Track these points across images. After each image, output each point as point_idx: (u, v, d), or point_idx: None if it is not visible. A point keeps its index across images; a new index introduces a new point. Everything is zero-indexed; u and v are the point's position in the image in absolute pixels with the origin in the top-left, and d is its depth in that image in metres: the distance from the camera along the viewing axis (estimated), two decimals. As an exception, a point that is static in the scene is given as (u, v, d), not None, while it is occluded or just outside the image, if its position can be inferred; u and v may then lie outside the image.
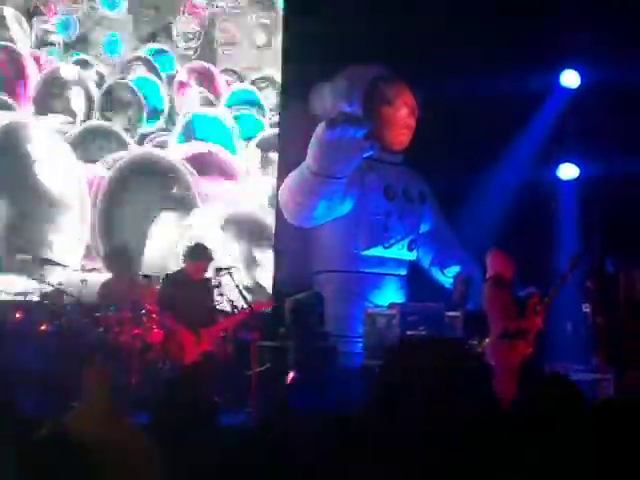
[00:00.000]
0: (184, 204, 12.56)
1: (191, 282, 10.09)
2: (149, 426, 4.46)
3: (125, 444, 4.19)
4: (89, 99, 12.29)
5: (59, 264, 10.93)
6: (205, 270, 10.33)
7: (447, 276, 13.06)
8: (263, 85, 13.23)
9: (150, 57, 12.70)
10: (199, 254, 10.26)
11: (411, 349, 2.08)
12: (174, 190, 12.48)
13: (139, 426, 4.55)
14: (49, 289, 10.37)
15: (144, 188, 12.40)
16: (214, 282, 10.74)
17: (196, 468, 3.95)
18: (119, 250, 11.02)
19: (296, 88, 13.00)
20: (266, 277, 12.81)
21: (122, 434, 4.31)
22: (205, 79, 12.98)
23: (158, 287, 10.49)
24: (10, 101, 11.86)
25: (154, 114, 12.66)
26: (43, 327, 9.94)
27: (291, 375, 10.11)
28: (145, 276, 10.92)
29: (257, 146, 13.11)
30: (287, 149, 13.00)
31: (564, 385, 3.38)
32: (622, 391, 9.20)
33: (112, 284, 10.67)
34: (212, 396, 7.94)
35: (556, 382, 3.42)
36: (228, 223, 12.80)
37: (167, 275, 10.38)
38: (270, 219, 12.98)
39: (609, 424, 3.12)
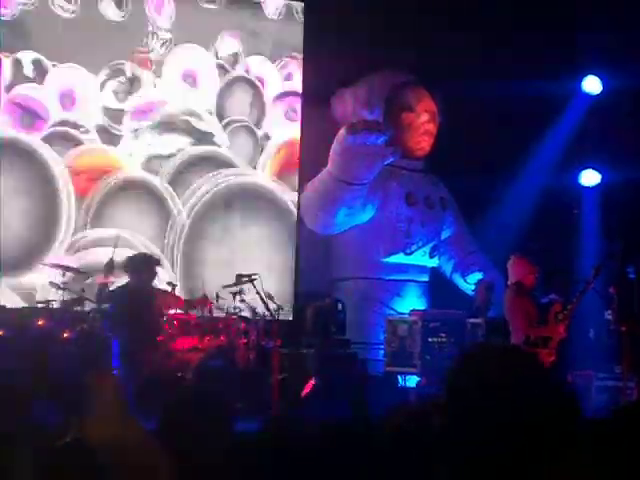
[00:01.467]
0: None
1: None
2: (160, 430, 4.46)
3: (140, 449, 4.18)
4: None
5: (82, 272, 10.95)
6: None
7: (469, 283, 13.02)
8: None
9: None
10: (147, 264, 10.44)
11: (491, 356, 2.08)
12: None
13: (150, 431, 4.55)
14: (72, 296, 10.39)
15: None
16: (236, 289, 10.77)
17: (207, 473, 3.95)
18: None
19: (317, 94, 12.99)
20: (287, 284, 12.80)
21: (137, 438, 4.31)
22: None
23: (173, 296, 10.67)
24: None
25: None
26: (66, 334, 9.95)
27: (311, 382, 10.10)
28: (169, 283, 10.94)
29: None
30: (308, 155, 13.00)
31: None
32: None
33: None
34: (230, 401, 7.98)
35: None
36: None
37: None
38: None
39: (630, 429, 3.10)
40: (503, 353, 2.39)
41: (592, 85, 13.31)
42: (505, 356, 2.37)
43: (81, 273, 10.89)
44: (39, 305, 10.84)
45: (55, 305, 10.54)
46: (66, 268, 10.82)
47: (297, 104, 13.07)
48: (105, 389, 4.59)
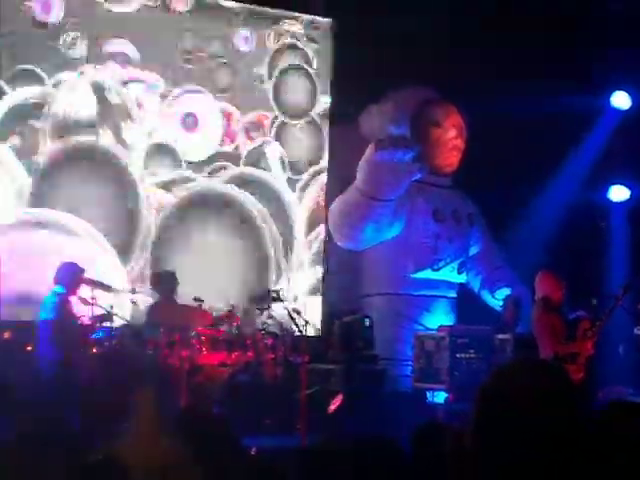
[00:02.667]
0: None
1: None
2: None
3: (174, 467, 4.20)
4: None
5: (112, 288, 11.00)
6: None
7: (497, 298, 12.97)
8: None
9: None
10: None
11: (523, 371, 2.07)
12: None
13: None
14: (100, 311, 10.43)
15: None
16: (264, 305, 10.82)
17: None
18: (166, 274, 11.08)
19: (345, 110, 13.03)
20: (316, 300, 12.83)
21: (170, 457, 4.32)
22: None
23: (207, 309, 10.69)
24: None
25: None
26: (94, 349, 10.00)
27: (339, 398, 10.10)
28: (195, 299, 10.98)
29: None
30: (336, 171, 13.03)
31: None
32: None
33: (160, 307, 10.72)
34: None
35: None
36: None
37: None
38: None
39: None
40: (535, 368, 2.39)
41: (621, 100, 13.29)
42: (537, 371, 2.37)
43: (109, 289, 10.93)
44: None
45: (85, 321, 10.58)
46: (97, 284, 10.87)
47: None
48: (145, 406, 4.61)
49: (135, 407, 4.63)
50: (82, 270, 10.06)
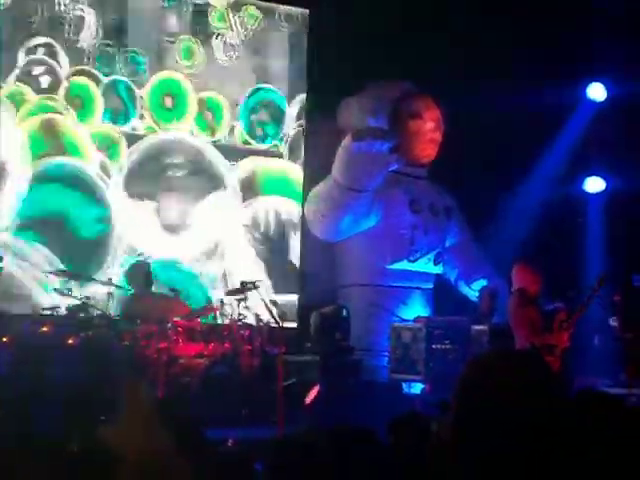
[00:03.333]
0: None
1: None
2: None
3: (162, 457, 4.20)
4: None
5: (90, 278, 10.98)
6: None
7: (473, 290, 13.02)
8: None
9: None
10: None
11: (500, 361, 2.05)
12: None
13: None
14: (76, 302, 10.40)
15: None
16: (241, 295, 10.81)
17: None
18: (140, 266, 11.05)
19: (322, 102, 13.02)
20: (292, 291, 12.84)
21: (159, 447, 4.32)
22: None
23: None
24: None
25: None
26: (70, 340, 9.96)
27: (315, 389, 10.10)
28: (172, 289, 10.96)
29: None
30: (312, 162, 13.03)
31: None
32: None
33: (136, 298, 10.70)
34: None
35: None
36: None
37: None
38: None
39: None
40: (514, 357, 2.40)
41: (597, 92, 13.33)
42: (516, 360, 2.37)
43: (79, 277, 10.91)
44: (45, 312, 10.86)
45: (60, 312, 10.56)
46: (67, 274, 10.86)
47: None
48: (133, 398, 4.60)
49: (124, 400, 4.62)
50: None
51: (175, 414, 4.94)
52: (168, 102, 12.48)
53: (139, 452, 3.94)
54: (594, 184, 13.48)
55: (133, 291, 10.67)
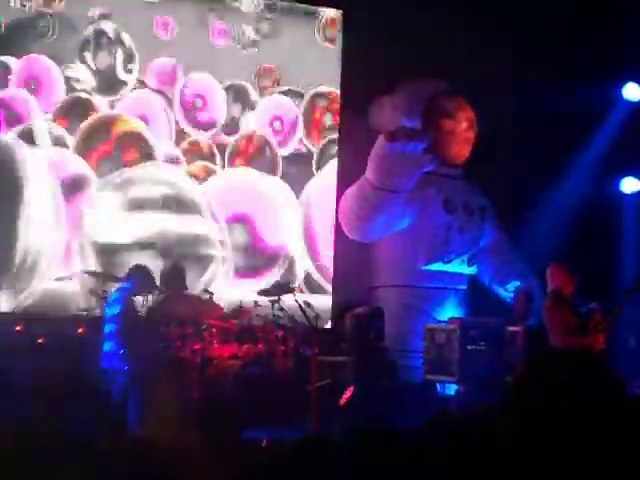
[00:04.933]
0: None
1: None
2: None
3: (194, 456, 4.24)
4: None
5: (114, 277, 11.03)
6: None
7: (508, 290, 12.96)
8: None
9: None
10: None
11: (557, 359, 2.04)
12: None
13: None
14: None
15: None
16: (274, 297, 10.85)
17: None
18: (175, 267, 11.06)
19: (356, 102, 13.01)
20: (326, 292, 12.84)
21: (191, 446, 4.36)
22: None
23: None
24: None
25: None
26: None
27: (350, 390, 10.10)
28: (206, 291, 11.00)
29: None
30: (347, 163, 13.02)
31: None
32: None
33: (170, 300, 10.71)
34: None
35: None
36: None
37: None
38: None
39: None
40: (570, 356, 2.40)
41: (633, 92, 13.25)
42: (572, 359, 2.37)
43: (112, 278, 10.95)
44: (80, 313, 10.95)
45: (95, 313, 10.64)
46: (102, 275, 10.94)
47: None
48: (167, 399, 4.65)
49: (158, 394, 4.67)
50: None
51: (214, 415, 4.97)
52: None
53: (172, 451, 3.97)
54: (630, 184, 13.40)
55: (167, 292, 10.68)
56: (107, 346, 9.76)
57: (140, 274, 10.23)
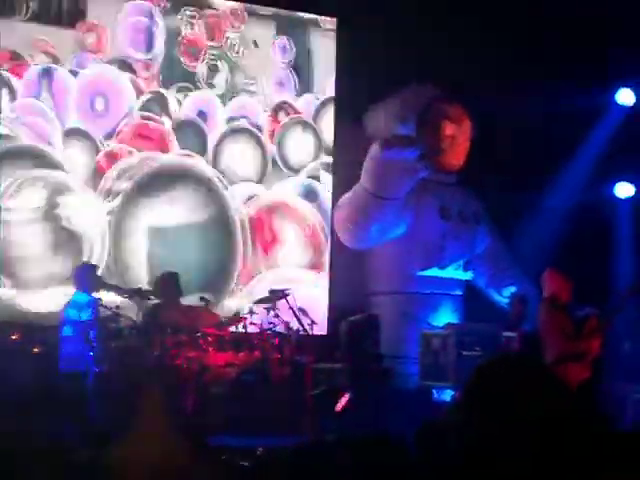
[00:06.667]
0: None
1: None
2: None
3: (183, 467, 4.23)
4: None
5: (119, 288, 11.01)
6: None
7: (503, 296, 12.97)
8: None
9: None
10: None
11: (505, 368, 2.04)
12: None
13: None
14: (107, 312, 10.44)
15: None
16: (270, 305, 10.84)
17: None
18: (168, 275, 11.02)
19: (350, 109, 13.03)
20: (322, 299, 12.83)
21: (180, 458, 4.35)
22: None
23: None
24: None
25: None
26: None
27: (346, 397, 10.10)
28: (202, 298, 10.99)
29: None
30: (342, 170, 13.04)
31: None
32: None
33: (165, 308, 10.69)
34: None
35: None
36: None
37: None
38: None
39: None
40: (517, 364, 2.42)
41: (626, 97, 13.28)
42: (519, 367, 2.39)
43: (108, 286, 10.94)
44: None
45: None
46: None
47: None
48: (151, 406, 4.62)
49: (142, 407, 4.64)
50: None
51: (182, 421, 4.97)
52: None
53: (151, 460, 3.96)
54: (624, 189, 13.42)
55: (161, 300, 10.66)
56: (69, 349, 9.75)
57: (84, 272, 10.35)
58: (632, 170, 13.20)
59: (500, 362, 2.46)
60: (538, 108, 11.80)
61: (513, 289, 12.77)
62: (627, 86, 13.21)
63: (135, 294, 10.82)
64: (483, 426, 2.32)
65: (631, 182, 13.34)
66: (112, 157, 12.07)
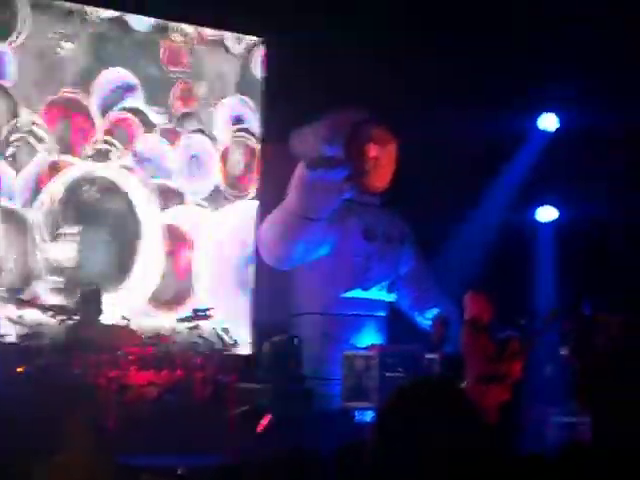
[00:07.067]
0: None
1: None
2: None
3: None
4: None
5: (41, 305, 10.88)
6: None
7: (426, 318, 13.04)
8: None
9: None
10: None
11: (418, 393, 2.05)
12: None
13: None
14: (26, 330, 10.31)
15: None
16: (193, 324, 10.78)
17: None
18: (90, 294, 10.89)
19: (276, 129, 13.04)
20: (244, 319, 12.79)
21: (101, 478, 4.31)
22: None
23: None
24: None
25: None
26: (20, 369, 9.88)
27: (267, 417, 10.08)
28: (123, 317, 10.90)
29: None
30: (266, 190, 13.03)
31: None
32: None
33: (83, 327, 10.55)
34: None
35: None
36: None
37: None
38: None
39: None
40: (429, 386, 2.43)
41: (548, 122, 13.47)
42: (431, 389, 2.41)
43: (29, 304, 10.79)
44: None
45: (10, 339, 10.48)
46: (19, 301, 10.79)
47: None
48: (75, 429, 4.57)
49: (69, 438, 4.59)
50: None
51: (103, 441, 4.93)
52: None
53: (77, 478, 3.92)
54: (546, 213, 13.59)
55: (80, 318, 10.52)
56: None
57: None
58: (554, 194, 13.39)
59: (418, 386, 2.47)
60: (464, 132, 11.91)
61: (436, 311, 12.86)
62: (550, 111, 13.41)
63: (58, 311, 10.69)
64: (393, 449, 2.33)
65: (553, 206, 13.52)
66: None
